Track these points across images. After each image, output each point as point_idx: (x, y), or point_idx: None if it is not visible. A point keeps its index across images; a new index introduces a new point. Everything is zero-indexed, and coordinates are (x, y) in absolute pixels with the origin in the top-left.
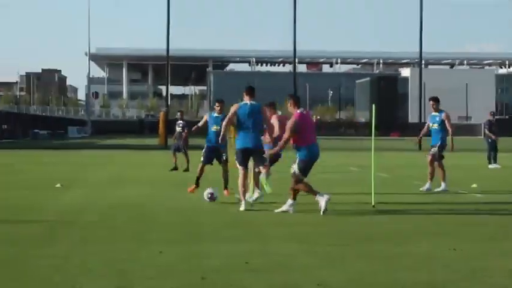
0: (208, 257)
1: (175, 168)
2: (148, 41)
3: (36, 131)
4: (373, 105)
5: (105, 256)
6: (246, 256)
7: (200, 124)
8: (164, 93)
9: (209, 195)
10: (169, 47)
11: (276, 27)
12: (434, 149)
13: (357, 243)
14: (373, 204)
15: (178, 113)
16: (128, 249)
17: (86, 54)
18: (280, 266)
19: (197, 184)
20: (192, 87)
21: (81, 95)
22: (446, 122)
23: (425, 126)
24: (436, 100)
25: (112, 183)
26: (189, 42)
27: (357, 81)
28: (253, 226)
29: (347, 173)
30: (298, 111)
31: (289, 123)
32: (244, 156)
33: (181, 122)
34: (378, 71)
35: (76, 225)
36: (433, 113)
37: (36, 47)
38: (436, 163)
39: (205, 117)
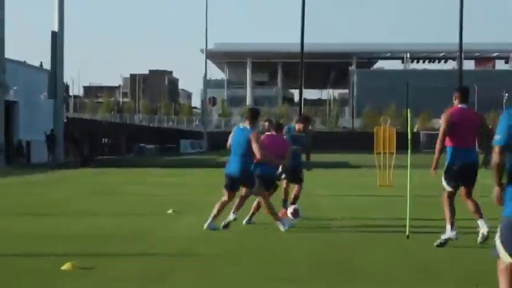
0: None
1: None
2: (278, 35)
3: (142, 145)
4: None
5: None
6: None
7: None
8: (296, 98)
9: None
10: (304, 42)
11: (434, 16)
12: None
13: None
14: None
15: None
16: None
17: (202, 51)
18: None
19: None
20: (331, 90)
21: (196, 102)
22: None
23: None
24: None
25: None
26: (327, 35)
27: None
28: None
29: None
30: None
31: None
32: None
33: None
34: None
35: (194, 258)
36: None
37: (144, 44)
38: None
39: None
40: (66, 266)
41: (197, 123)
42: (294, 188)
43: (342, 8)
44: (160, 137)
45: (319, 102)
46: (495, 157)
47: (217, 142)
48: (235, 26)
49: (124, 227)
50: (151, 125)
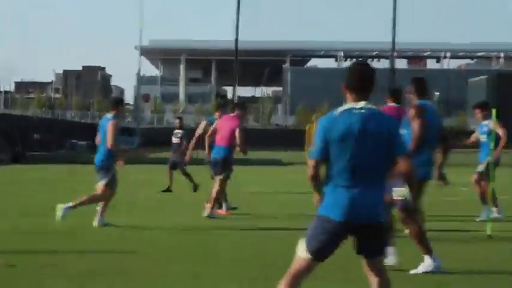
0: None
1: (169, 190)
2: (212, 33)
3: (74, 141)
4: (493, 111)
5: None
6: None
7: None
8: (230, 96)
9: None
10: (238, 39)
11: (368, 15)
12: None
13: None
14: (489, 233)
15: (177, 120)
16: None
17: (136, 48)
18: None
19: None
20: (265, 88)
21: (129, 98)
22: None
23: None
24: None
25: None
26: (261, 33)
27: (470, 80)
28: None
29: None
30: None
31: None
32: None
33: (179, 131)
34: (497, 67)
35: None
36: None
37: (78, 40)
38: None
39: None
40: None
41: (130, 119)
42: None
43: (277, 6)
44: (92, 133)
45: (253, 99)
46: (309, 170)
47: (150, 138)
48: (170, 23)
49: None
50: (83, 121)
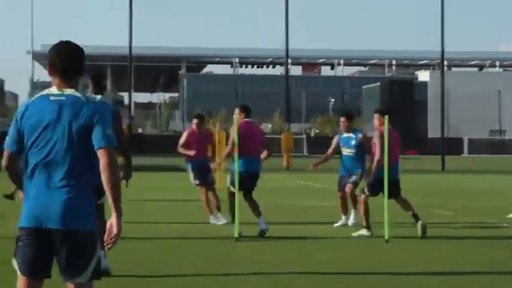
0: None
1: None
2: (107, 38)
3: None
4: (385, 117)
5: None
6: None
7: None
8: (126, 102)
9: None
10: (133, 44)
11: (265, 22)
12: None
13: None
14: (386, 238)
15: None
16: None
17: (28, 52)
18: None
19: None
20: (161, 93)
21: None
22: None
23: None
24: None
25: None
26: (157, 39)
27: (364, 87)
28: None
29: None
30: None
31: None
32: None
33: None
34: (389, 74)
35: None
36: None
37: None
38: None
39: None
40: None
41: None
42: None
43: (172, 12)
44: None
45: (150, 105)
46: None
47: None
48: (63, 28)
49: None
50: None
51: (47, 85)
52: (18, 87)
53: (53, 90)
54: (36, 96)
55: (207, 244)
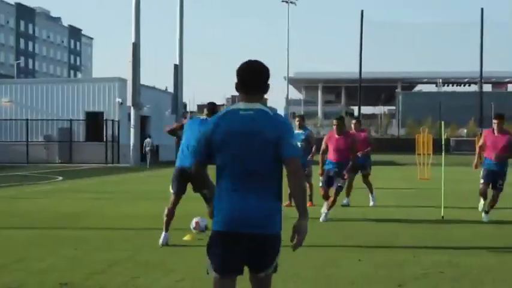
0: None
1: None
2: (342, 65)
3: None
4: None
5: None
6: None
7: None
8: (356, 113)
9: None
10: (362, 70)
11: (462, 51)
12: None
13: None
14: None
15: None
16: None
17: (285, 78)
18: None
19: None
20: (382, 107)
21: (281, 111)
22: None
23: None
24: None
25: None
26: (379, 65)
27: None
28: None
29: None
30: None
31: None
32: None
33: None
34: None
35: None
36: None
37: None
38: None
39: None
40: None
41: None
42: None
43: (392, 43)
44: None
45: (373, 116)
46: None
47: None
48: (310, 57)
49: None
50: None
51: (297, 102)
52: (278, 103)
53: (241, 105)
54: (226, 110)
55: None
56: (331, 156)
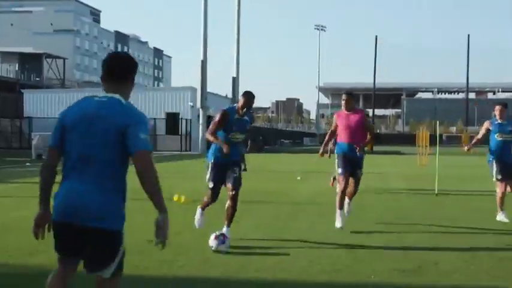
0: None
1: None
2: (360, 76)
3: (282, 140)
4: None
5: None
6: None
7: None
8: (370, 114)
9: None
10: (375, 81)
11: (453, 68)
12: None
13: None
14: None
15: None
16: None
17: (316, 87)
18: None
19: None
20: (391, 109)
21: (313, 116)
22: None
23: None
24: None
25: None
26: (389, 77)
27: None
28: None
29: None
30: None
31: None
32: None
33: None
34: None
35: (313, 205)
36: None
37: (283, 81)
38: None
39: None
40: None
41: (313, 128)
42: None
43: (405, 58)
44: (292, 136)
45: (384, 116)
46: None
47: (322, 139)
48: (335, 71)
49: (269, 187)
50: (287, 129)
51: (325, 105)
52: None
53: (100, 93)
54: (84, 97)
55: None
56: (342, 136)
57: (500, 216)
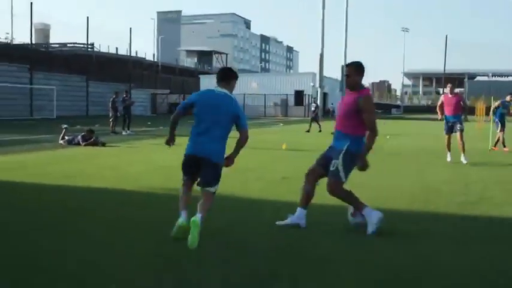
0: None
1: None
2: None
3: (377, 110)
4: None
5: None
6: None
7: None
8: (441, 92)
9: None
10: (445, 68)
11: (504, 55)
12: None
13: None
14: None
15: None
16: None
17: (401, 72)
18: None
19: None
20: (457, 89)
21: (398, 93)
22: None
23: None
24: None
25: (421, 135)
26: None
27: None
28: None
29: None
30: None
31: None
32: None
33: None
34: None
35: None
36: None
37: (378, 67)
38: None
39: None
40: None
41: (398, 102)
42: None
43: (464, 52)
44: (384, 107)
45: None
46: None
47: (405, 109)
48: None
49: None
50: (380, 102)
51: (408, 86)
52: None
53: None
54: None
55: None
56: (446, 110)
57: None
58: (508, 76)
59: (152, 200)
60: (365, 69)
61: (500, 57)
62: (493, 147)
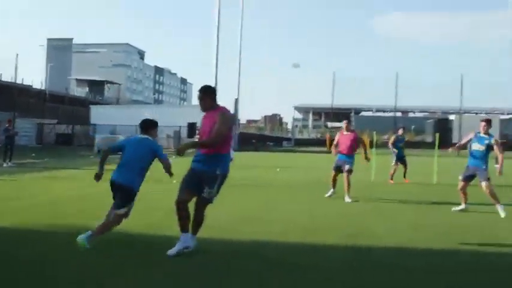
0: None
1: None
2: (322, 99)
3: (268, 142)
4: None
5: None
6: None
7: None
8: (329, 125)
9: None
10: (333, 102)
11: (385, 91)
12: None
13: None
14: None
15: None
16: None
17: (293, 106)
18: None
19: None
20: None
21: (289, 126)
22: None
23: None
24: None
25: (308, 169)
26: (342, 99)
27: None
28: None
29: None
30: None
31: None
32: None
33: None
34: None
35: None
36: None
37: (270, 101)
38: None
39: None
40: None
41: (289, 134)
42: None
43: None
44: (275, 139)
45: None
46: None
47: (295, 142)
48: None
49: (255, 176)
50: (272, 135)
51: (299, 120)
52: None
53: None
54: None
55: None
56: (340, 148)
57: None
58: (390, 112)
59: (29, 237)
60: (215, 90)
61: (383, 92)
62: (404, 179)
